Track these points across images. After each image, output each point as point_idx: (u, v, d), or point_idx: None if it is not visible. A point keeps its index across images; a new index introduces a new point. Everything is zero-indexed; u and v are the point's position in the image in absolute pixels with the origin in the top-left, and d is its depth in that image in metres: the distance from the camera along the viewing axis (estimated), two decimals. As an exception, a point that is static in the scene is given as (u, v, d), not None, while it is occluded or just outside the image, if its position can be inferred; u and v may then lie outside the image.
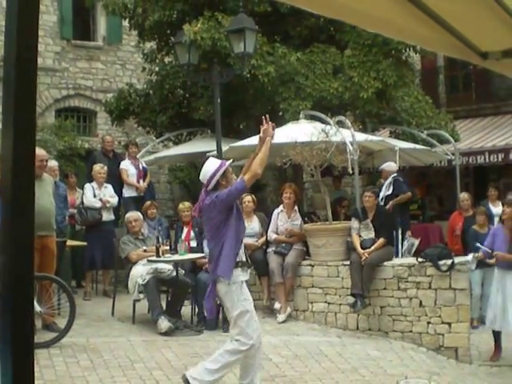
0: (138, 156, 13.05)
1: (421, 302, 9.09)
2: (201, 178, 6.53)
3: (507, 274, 8.88)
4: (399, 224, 11.25)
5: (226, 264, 6.25)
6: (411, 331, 9.15)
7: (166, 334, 8.85)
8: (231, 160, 6.71)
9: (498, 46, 3.05)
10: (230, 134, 14.28)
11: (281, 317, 9.87)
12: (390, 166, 12.48)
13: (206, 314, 6.47)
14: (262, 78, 13.06)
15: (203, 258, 9.63)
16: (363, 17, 2.21)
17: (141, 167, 12.73)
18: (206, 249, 9.76)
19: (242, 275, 6.45)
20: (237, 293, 6.35)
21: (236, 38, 11.85)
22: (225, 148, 12.13)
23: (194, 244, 10.37)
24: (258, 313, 10.18)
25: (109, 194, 11.64)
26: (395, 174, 12.22)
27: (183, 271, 9.62)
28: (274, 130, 6.59)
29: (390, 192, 11.75)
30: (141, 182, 12.58)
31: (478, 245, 9.46)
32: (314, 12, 2.23)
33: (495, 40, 3.00)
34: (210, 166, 6.45)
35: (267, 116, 6.64)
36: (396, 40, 13.35)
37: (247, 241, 10.48)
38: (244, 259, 6.55)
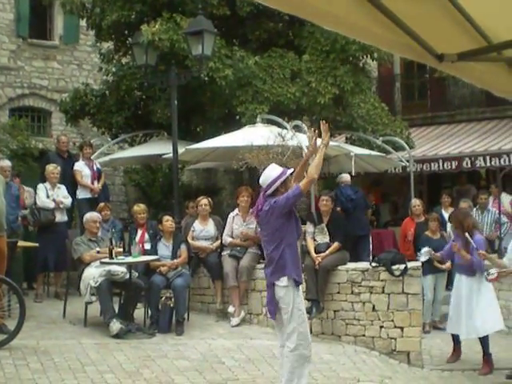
0: (92, 157, 12.89)
1: (374, 307, 9.15)
2: (261, 182, 6.64)
3: (462, 278, 9.00)
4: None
5: (291, 267, 6.46)
6: (364, 335, 9.20)
7: (118, 336, 8.77)
8: (292, 169, 6.78)
9: (454, 49, 3.07)
10: (186, 137, 14.21)
11: (234, 320, 9.85)
12: (343, 177, 13.60)
13: (268, 316, 6.67)
14: (219, 81, 13.02)
15: (157, 260, 9.58)
16: (320, 14, 2.20)
17: (95, 168, 12.59)
18: (160, 251, 9.73)
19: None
20: (295, 295, 6.50)
21: (194, 40, 11.79)
22: (181, 150, 12.06)
23: (148, 246, 10.31)
24: (212, 316, 10.25)
25: (62, 194, 11.48)
26: (343, 185, 13.20)
27: (136, 274, 9.52)
28: (329, 137, 6.73)
29: None
30: (95, 183, 12.44)
31: (425, 248, 9.58)
32: (271, 6, 2.21)
33: (451, 42, 3.03)
34: (272, 172, 6.58)
35: (325, 122, 6.71)
36: (354, 47, 13.48)
37: (202, 244, 10.48)
38: None
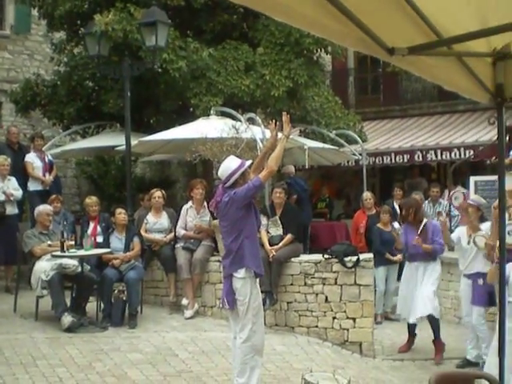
0: (43, 149, 12.71)
1: (326, 298, 9.22)
2: (219, 173, 6.66)
3: (421, 267, 9.14)
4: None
5: (249, 258, 6.48)
6: (317, 326, 9.27)
7: (70, 330, 8.68)
8: (251, 161, 6.82)
9: (405, 43, 3.10)
10: (139, 129, 14.13)
11: (188, 313, 9.83)
12: (288, 168, 13.64)
13: (225, 306, 6.64)
14: (173, 73, 12.96)
15: (109, 253, 9.51)
16: (272, 5, 2.20)
17: (47, 160, 12.41)
18: (113, 244, 9.66)
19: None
20: (253, 287, 6.52)
21: (148, 31, 11.70)
22: (134, 142, 11.98)
23: (100, 239, 10.20)
24: (165, 309, 10.21)
25: (12, 186, 11.29)
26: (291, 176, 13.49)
27: (88, 267, 9.44)
28: (290, 129, 6.73)
29: None
30: (46, 175, 12.26)
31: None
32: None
33: (402, 36, 3.06)
34: (231, 163, 6.58)
35: (286, 113, 6.75)
36: (308, 40, 13.53)
37: (155, 236, 10.44)
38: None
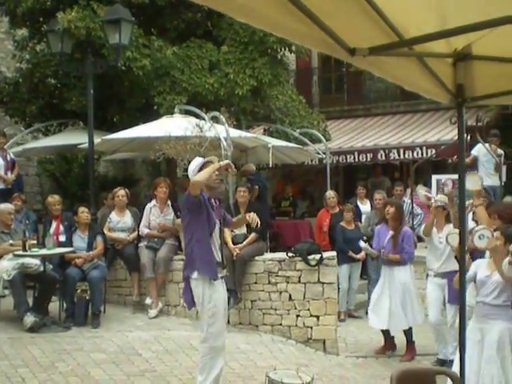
0: (5, 147, 12.56)
1: (290, 296, 9.27)
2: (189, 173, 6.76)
3: (391, 270, 9.13)
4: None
5: (199, 262, 6.48)
6: (281, 324, 9.31)
7: (33, 330, 8.60)
8: (208, 158, 6.88)
9: (366, 43, 3.13)
10: (102, 127, 14.02)
11: (152, 312, 9.80)
12: (249, 166, 13.77)
13: (185, 305, 6.69)
14: (137, 71, 12.92)
15: (72, 252, 9.44)
16: (233, 5, 2.21)
17: (9, 158, 12.27)
18: (75, 243, 9.59)
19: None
20: (207, 288, 6.50)
21: (111, 28, 11.62)
22: (97, 140, 11.89)
23: (62, 238, 10.09)
24: (129, 308, 10.17)
25: (-27, 185, 11.16)
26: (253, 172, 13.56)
27: (51, 266, 9.35)
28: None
29: None
30: (8, 173, 12.12)
31: (362, 244, 9.73)
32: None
33: (364, 37, 3.09)
34: (193, 163, 6.69)
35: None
36: (272, 39, 13.57)
37: (119, 235, 10.39)
38: (218, 259, 6.66)
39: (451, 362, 8.42)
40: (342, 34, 2.89)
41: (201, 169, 6.55)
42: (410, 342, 9.20)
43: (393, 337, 9.44)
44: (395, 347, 9.46)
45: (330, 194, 12.62)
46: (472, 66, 4.51)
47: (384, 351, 9.45)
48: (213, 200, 6.68)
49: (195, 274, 6.51)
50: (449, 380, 4.38)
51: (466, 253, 5.22)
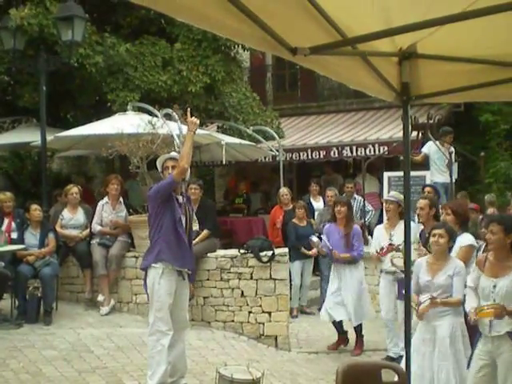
0: (-43, 144, 12.42)
1: (242, 292, 9.33)
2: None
3: (344, 267, 9.22)
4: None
5: (164, 251, 6.61)
6: (233, 321, 9.38)
7: (-17, 328, 8.54)
8: (175, 153, 7.13)
9: (309, 43, 3.19)
10: (56, 124, 13.94)
11: (104, 309, 9.79)
12: None
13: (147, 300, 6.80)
14: (89, 68, 12.85)
15: (24, 249, 9.38)
16: (174, 6, 2.26)
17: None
18: (27, 240, 9.53)
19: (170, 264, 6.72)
20: (159, 280, 6.61)
21: (64, 25, 11.57)
22: (50, 138, 11.81)
23: (14, 235, 10.01)
24: (81, 305, 10.12)
25: None
26: None
27: (3, 263, 9.27)
28: (196, 125, 6.73)
29: None
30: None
31: (314, 238, 9.79)
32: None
33: (306, 36, 3.15)
34: (160, 157, 6.99)
35: (190, 110, 6.93)
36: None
37: (71, 232, 10.34)
38: (183, 253, 6.80)
39: (402, 357, 8.62)
40: (284, 34, 2.94)
41: (163, 166, 6.79)
42: (359, 337, 9.34)
43: (346, 331, 9.55)
44: (347, 341, 9.60)
45: (284, 191, 12.71)
46: (417, 64, 4.61)
47: (337, 347, 9.57)
48: (180, 196, 6.86)
49: (152, 265, 6.62)
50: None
51: (410, 249, 5.33)
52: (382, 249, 8.63)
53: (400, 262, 8.00)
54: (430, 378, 6.30)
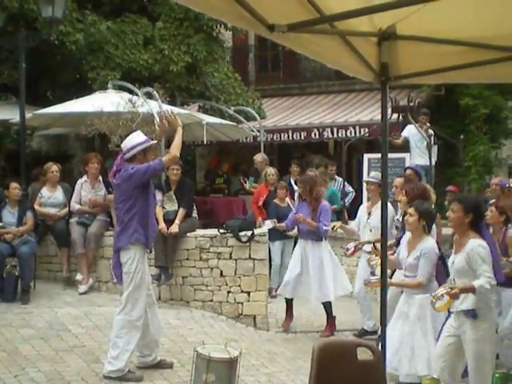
0: None
1: (221, 272, 9.34)
2: (122, 145, 6.82)
3: (307, 243, 9.28)
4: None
5: (140, 232, 6.64)
6: (212, 300, 9.38)
7: (-40, 307, 8.50)
8: (156, 142, 7.11)
9: (286, 20, 3.17)
10: (35, 101, 13.79)
11: (82, 288, 9.76)
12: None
13: (114, 280, 6.76)
14: (70, 46, 12.75)
15: (1, 227, 9.34)
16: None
17: None
18: (5, 218, 9.46)
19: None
20: (139, 261, 6.66)
21: (44, 1, 11.39)
22: (28, 115, 11.71)
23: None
24: (59, 284, 10.09)
25: None
26: None
27: (-23, 243, 9.23)
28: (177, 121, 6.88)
29: None
30: None
31: (267, 222, 9.85)
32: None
33: (282, 13, 3.13)
34: (136, 138, 6.80)
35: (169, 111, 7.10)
36: (207, 16, 13.50)
37: (49, 211, 10.28)
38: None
39: (373, 332, 8.72)
40: (261, 10, 2.92)
41: (144, 152, 6.71)
42: (329, 318, 9.37)
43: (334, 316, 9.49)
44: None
45: (271, 170, 12.47)
46: (397, 45, 4.61)
47: (288, 324, 9.56)
48: None
49: (129, 246, 6.62)
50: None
51: (387, 229, 5.37)
52: (347, 249, 8.83)
53: (377, 269, 8.12)
54: (395, 353, 6.44)
